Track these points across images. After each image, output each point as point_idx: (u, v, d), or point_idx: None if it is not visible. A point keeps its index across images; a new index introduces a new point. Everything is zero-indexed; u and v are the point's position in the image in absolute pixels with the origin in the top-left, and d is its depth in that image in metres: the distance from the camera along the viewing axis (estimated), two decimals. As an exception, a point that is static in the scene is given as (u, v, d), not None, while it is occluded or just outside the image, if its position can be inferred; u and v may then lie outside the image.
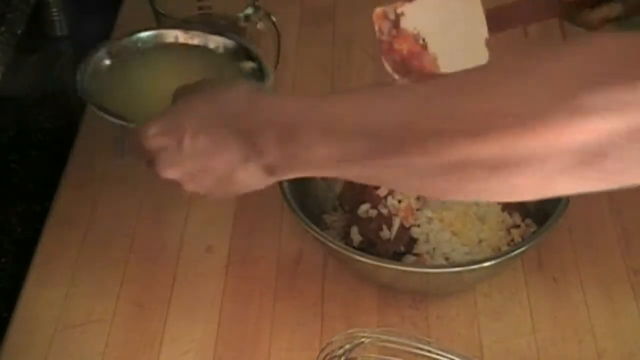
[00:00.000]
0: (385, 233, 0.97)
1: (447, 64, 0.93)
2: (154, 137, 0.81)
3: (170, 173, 0.81)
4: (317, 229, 0.93)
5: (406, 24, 0.94)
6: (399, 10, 0.94)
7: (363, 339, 0.88)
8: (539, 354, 0.90)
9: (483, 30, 0.93)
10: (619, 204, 1.03)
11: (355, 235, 0.98)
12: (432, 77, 0.90)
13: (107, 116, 0.92)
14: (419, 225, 0.96)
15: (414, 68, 0.93)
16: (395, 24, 0.94)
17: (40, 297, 0.96)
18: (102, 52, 1.00)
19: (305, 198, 0.98)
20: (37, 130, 1.16)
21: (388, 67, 0.94)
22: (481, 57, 0.92)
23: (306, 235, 0.95)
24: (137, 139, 0.82)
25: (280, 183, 0.95)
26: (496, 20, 0.95)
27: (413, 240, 0.97)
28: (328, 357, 0.87)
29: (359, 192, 0.99)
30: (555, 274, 0.97)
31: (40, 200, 1.07)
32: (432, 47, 0.93)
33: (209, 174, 0.80)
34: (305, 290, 0.96)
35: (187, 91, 0.84)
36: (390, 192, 0.97)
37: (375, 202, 0.98)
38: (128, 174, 1.08)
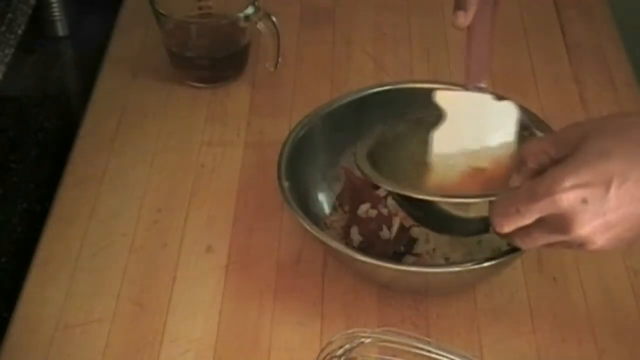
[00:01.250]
0: (385, 233, 0.97)
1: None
2: (572, 190, 0.75)
3: (587, 229, 0.75)
4: (317, 229, 0.93)
5: None
6: None
7: (363, 339, 0.88)
8: (539, 354, 0.90)
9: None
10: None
11: (355, 235, 0.98)
12: None
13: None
14: (419, 225, 0.96)
15: None
16: None
17: (40, 297, 0.96)
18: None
19: (305, 198, 0.98)
20: (37, 130, 1.16)
21: None
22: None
23: (306, 235, 0.95)
24: (535, 197, 0.76)
25: (280, 183, 0.95)
26: None
27: (413, 241, 0.97)
28: (328, 357, 0.87)
29: (359, 192, 0.99)
30: (555, 274, 0.97)
31: (40, 200, 1.07)
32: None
33: (629, 221, 0.75)
34: (305, 290, 0.96)
35: (587, 130, 0.77)
36: (390, 193, 0.97)
37: (375, 202, 0.98)
38: (128, 174, 1.08)
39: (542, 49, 1.24)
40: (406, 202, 0.90)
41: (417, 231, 0.96)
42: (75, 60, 1.31)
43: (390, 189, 0.90)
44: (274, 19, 1.16)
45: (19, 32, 1.05)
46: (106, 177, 1.08)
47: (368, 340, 0.88)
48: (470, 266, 0.90)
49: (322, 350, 0.88)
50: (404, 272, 0.92)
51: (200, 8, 1.21)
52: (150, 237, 1.02)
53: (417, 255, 0.96)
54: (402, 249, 0.96)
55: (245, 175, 1.08)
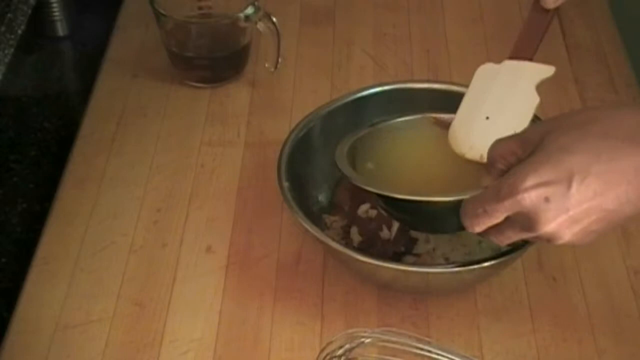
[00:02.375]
0: (385, 233, 0.97)
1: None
2: (534, 189, 0.75)
3: (552, 226, 0.76)
4: (317, 229, 0.93)
5: None
6: None
7: (363, 339, 0.88)
8: (539, 354, 0.90)
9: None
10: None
11: (355, 235, 0.98)
12: None
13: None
14: (418, 226, 0.96)
15: None
16: None
17: (40, 297, 0.96)
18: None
19: (305, 198, 0.98)
20: (37, 130, 1.16)
21: None
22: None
23: (306, 235, 0.95)
24: (499, 198, 0.77)
25: (280, 183, 0.95)
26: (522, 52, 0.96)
27: (413, 241, 0.97)
28: (328, 357, 0.87)
29: (358, 192, 0.99)
30: (555, 274, 0.97)
31: (40, 200, 1.07)
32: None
33: (594, 214, 0.75)
34: (305, 290, 0.96)
35: (550, 128, 0.78)
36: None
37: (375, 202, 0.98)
38: (128, 174, 1.08)
39: (542, 49, 1.24)
40: (383, 200, 0.91)
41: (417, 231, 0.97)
42: (75, 60, 1.31)
43: (364, 186, 0.90)
44: (274, 19, 1.16)
45: (19, 32, 1.04)
46: (106, 177, 1.08)
47: (368, 340, 0.88)
48: (470, 266, 0.90)
49: (322, 350, 0.88)
50: (404, 272, 0.92)
51: (200, 8, 1.21)
52: (150, 237, 1.02)
53: (417, 255, 0.96)
54: (402, 249, 0.96)
55: (245, 175, 1.08)
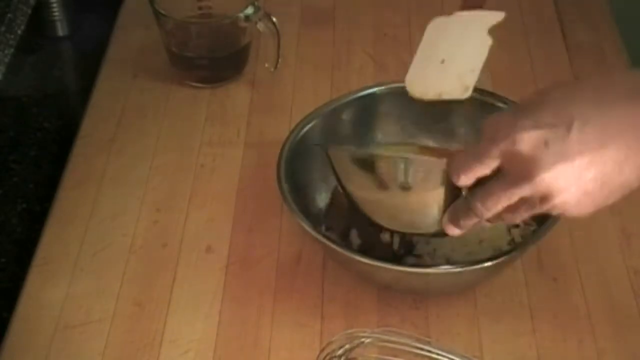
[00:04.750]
0: (385, 236, 0.97)
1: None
2: (533, 129, 0.72)
3: (550, 174, 0.73)
4: (317, 230, 0.93)
5: None
6: None
7: (363, 339, 0.88)
8: (539, 354, 0.90)
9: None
10: (619, 204, 1.03)
11: (355, 238, 0.98)
12: None
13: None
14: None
15: None
16: None
17: (40, 297, 0.96)
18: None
19: (305, 198, 0.98)
20: (37, 130, 1.16)
21: None
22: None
23: (306, 235, 0.95)
24: (494, 140, 0.74)
25: (280, 183, 0.95)
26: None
27: (413, 243, 0.97)
28: (328, 357, 0.87)
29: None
30: (555, 274, 0.97)
31: (40, 200, 1.07)
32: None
33: (592, 168, 0.73)
34: (305, 290, 0.96)
35: (546, 90, 0.76)
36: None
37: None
38: (128, 174, 1.08)
39: (542, 49, 1.24)
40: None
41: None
42: (75, 60, 1.31)
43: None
44: (274, 19, 1.16)
45: (19, 32, 1.05)
46: (106, 177, 1.08)
47: (368, 340, 0.88)
48: (470, 266, 0.90)
49: (322, 350, 0.88)
50: (404, 273, 0.92)
51: (200, 8, 1.21)
52: (150, 237, 1.02)
53: (418, 256, 0.96)
54: (402, 251, 0.96)
55: (245, 176, 1.08)
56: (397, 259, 0.95)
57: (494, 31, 0.95)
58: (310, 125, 1.01)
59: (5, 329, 0.93)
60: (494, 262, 0.89)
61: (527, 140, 0.73)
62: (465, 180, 0.79)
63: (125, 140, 1.12)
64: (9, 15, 1.03)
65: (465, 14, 0.97)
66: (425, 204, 0.86)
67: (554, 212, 0.78)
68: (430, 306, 0.94)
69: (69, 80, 1.29)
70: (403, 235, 0.96)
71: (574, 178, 0.74)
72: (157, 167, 1.09)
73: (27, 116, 1.18)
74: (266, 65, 1.19)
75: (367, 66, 1.22)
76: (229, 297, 0.96)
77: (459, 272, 0.90)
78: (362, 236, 0.98)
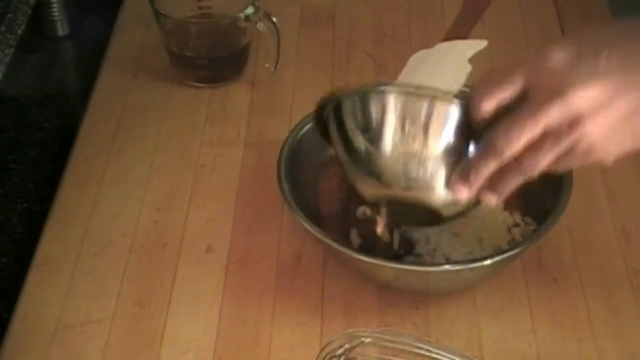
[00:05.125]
0: (385, 235, 0.96)
1: None
2: (563, 51, 0.73)
3: (584, 92, 0.71)
4: (317, 229, 0.93)
5: None
6: None
7: (363, 339, 0.88)
8: (539, 354, 0.90)
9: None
10: (619, 204, 1.04)
11: (355, 237, 0.98)
12: None
13: None
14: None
15: None
16: None
17: (40, 297, 0.96)
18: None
19: (305, 198, 0.98)
20: (37, 130, 1.16)
21: None
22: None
23: (306, 235, 0.95)
24: (525, 64, 0.74)
25: (280, 183, 0.95)
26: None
27: (413, 242, 0.97)
28: (328, 356, 0.87)
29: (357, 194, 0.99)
30: (555, 274, 0.97)
31: (40, 200, 1.07)
32: None
33: (623, 98, 0.72)
34: (305, 290, 0.96)
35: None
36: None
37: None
38: (128, 174, 1.08)
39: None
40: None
41: (417, 233, 0.96)
42: (75, 60, 1.31)
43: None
44: (274, 19, 1.16)
45: (19, 32, 1.05)
46: (106, 177, 1.08)
47: (368, 340, 0.88)
48: (471, 265, 0.90)
49: (322, 350, 0.88)
50: (404, 272, 0.92)
51: (200, 8, 1.21)
52: (150, 237, 1.02)
53: (418, 255, 0.96)
54: (402, 250, 0.96)
55: (245, 176, 1.08)
56: (397, 259, 0.95)
57: (474, 60, 0.93)
58: (310, 125, 1.01)
59: (5, 329, 0.93)
60: (494, 260, 0.89)
61: (557, 58, 0.73)
62: (487, 105, 0.76)
63: (125, 140, 1.13)
64: (9, 15, 1.03)
65: (446, 44, 0.97)
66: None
67: (579, 152, 0.75)
68: (430, 306, 0.94)
69: (69, 80, 1.29)
70: (403, 233, 0.96)
71: (605, 99, 0.73)
72: (157, 167, 1.09)
73: (27, 116, 1.18)
74: (266, 65, 1.19)
75: (367, 66, 1.22)
76: (229, 297, 0.96)
77: (459, 270, 0.91)
78: (362, 236, 0.98)
